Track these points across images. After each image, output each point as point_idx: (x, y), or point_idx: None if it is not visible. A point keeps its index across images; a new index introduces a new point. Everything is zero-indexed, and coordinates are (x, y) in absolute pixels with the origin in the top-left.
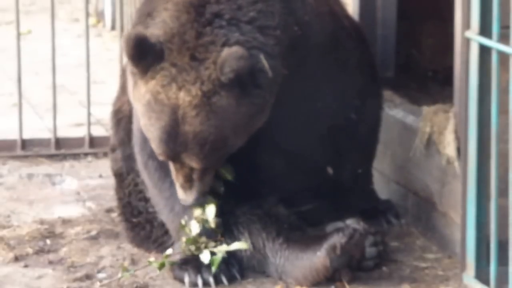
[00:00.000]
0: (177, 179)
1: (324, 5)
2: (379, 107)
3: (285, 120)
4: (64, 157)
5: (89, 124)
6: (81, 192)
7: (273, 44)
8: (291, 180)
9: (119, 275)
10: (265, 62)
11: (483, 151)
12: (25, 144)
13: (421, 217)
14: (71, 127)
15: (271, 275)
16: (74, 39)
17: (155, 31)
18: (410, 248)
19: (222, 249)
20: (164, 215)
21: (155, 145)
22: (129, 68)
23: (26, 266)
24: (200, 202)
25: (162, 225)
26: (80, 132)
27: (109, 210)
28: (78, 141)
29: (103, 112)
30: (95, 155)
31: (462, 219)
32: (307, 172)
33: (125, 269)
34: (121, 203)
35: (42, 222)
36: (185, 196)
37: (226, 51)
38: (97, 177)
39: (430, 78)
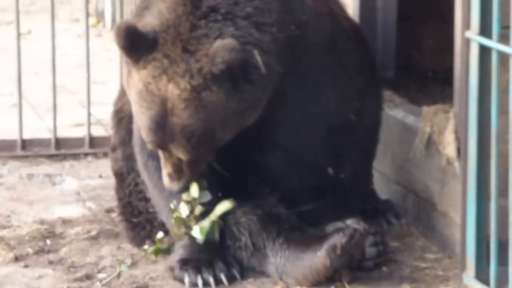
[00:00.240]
0: (165, 167)
1: (323, 6)
2: (379, 108)
3: (285, 120)
4: (64, 157)
5: (89, 124)
6: (81, 192)
7: (269, 41)
8: (291, 180)
9: (117, 270)
10: (259, 58)
11: (483, 151)
12: (25, 144)
13: (421, 217)
14: (71, 127)
15: (271, 275)
16: (74, 39)
17: (151, 20)
18: (410, 248)
19: (209, 218)
20: (164, 215)
21: (144, 133)
22: (123, 57)
23: (26, 266)
24: (186, 189)
25: (162, 225)
26: (80, 132)
27: (109, 210)
28: (78, 141)
29: (103, 112)
30: (95, 155)
31: (462, 219)
32: (307, 172)
33: (122, 262)
34: (121, 203)
35: (42, 222)
36: (171, 184)
37: (218, 43)
38: (97, 177)
39: (430, 78)
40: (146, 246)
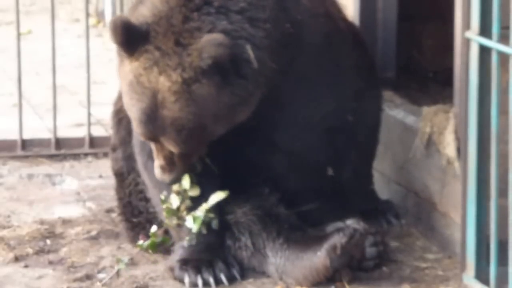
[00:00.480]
0: (157, 159)
1: (320, 7)
2: (378, 109)
3: (284, 120)
4: (64, 157)
5: (89, 124)
6: (81, 192)
7: (262, 36)
8: (291, 180)
9: (116, 267)
10: (251, 53)
11: (483, 151)
12: (25, 144)
13: (421, 217)
14: (71, 127)
15: (271, 275)
16: (74, 39)
17: (144, 12)
18: (410, 248)
19: (202, 208)
20: (164, 215)
21: (135, 125)
22: (117, 49)
23: (26, 266)
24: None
25: (162, 224)
26: (80, 132)
27: (109, 210)
28: (78, 141)
29: (103, 112)
30: (95, 155)
31: (462, 219)
32: (307, 173)
33: (119, 260)
34: (121, 203)
35: (42, 222)
36: (163, 176)
37: (205, 37)
38: (97, 177)
39: (430, 78)
40: (141, 241)
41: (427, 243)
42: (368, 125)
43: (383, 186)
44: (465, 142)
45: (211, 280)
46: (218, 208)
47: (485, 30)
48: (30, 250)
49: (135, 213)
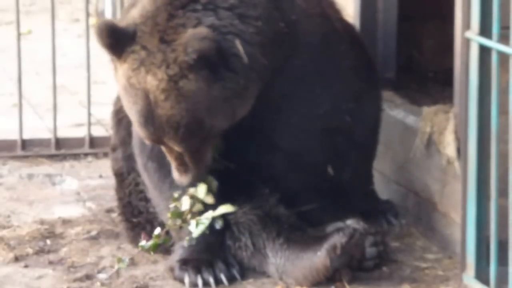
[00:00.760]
0: (171, 161)
1: (315, 7)
2: (378, 109)
3: (283, 120)
4: (64, 157)
5: (89, 124)
6: (81, 192)
7: (253, 32)
8: (291, 180)
9: (116, 266)
10: (240, 48)
11: (483, 151)
12: (25, 144)
13: (421, 217)
14: (71, 127)
15: (272, 275)
16: (74, 39)
17: (133, 14)
18: (411, 248)
19: (207, 215)
20: (164, 216)
21: (138, 129)
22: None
23: (26, 266)
24: (195, 184)
25: (163, 225)
26: (80, 132)
27: (109, 210)
28: (78, 141)
29: (103, 112)
30: (95, 155)
31: (462, 219)
32: (307, 173)
33: (120, 260)
34: (121, 203)
35: (42, 222)
36: (180, 178)
37: (189, 32)
38: (97, 177)
39: (430, 78)
40: (143, 242)
41: (427, 243)
42: (368, 125)
43: (383, 186)
44: (465, 142)
45: (211, 280)
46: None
47: (485, 30)
48: (30, 250)
49: (135, 213)
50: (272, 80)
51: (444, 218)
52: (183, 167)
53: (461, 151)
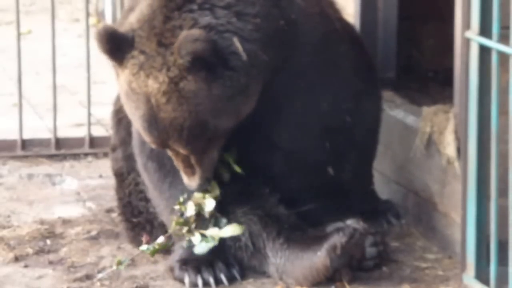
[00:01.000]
0: (178, 165)
1: (315, 7)
2: (378, 109)
3: (282, 119)
4: (64, 157)
5: (89, 124)
6: (81, 192)
7: (251, 29)
8: (291, 180)
9: (114, 267)
10: (238, 45)
11: (483, 151)
12: (25, 144)
13: (421, 217)
14: (71, 127)
15: (272, 275)
16: (74, 39)
17: (131, 19)
18: (411, 248)
19: (213, 234)
20: (164, 216)
21: (143, 134)
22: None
23: (26, 266)
24: (204, 188)
25: (163, 225)
26: (80, 132)
27: (109, 210)
28: (78, 141)
29: (103, 112)
30: (95, 155)
31: (462, 219)
32: (307, 173)
33: (119, 262)
34: (121, 203)
35: (42, 222)
36: (189, 181)
37: (182, 34)
38: (97, 177)
39: (430, 78)
40: (145, 246)
41: (427, 243)
42: (368, 125)
43: (383, 186)
44: (465, 142)
45: (211, 280)
46: (219, 208)
47: (485, 30)
48: (30, 250)
49: (135, 213)
50: (272, 80)
51: (444, 218)
52: (190, 170)
53: (461, 151)
